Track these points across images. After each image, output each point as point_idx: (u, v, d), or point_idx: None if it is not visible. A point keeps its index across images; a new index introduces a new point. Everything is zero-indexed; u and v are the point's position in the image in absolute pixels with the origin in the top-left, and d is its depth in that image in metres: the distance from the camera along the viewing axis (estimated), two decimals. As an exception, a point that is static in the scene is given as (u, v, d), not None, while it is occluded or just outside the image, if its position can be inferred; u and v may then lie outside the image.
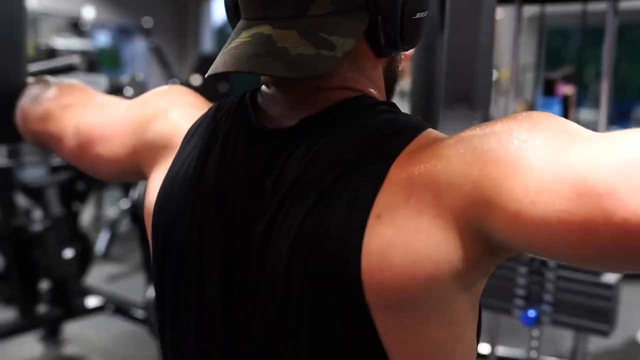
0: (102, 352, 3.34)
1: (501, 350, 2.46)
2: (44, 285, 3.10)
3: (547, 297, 1.85)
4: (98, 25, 9.22)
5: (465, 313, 0.62)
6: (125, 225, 5.20)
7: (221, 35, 12.13)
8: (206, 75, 0.65)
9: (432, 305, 0.59)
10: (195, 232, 0.70)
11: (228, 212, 0.67)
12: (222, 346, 0.69)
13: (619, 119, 6.64)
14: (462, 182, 0.56)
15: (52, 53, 5.73)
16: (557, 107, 3.78)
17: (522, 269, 1.86)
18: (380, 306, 0.58)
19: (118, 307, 3.15)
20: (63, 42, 6.15)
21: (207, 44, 11.12)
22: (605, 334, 1.82)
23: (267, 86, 0.72)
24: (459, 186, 0.56)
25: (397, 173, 0.59)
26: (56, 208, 2.79)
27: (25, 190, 2.80)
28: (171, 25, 10.60)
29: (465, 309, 0.62)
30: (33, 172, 2.66)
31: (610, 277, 1.82)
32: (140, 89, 3.72)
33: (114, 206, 5.28)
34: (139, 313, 3.04)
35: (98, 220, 5.40)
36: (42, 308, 3.06)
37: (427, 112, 1.49)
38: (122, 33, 10.66)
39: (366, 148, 0.61)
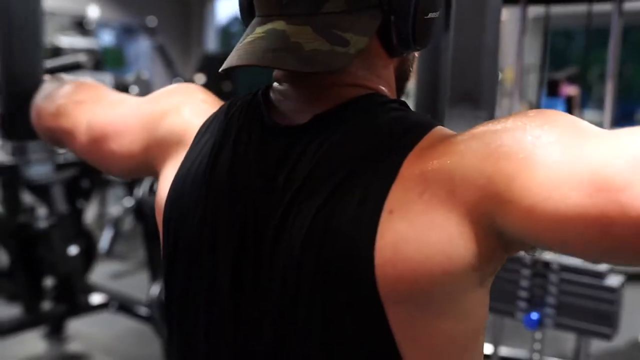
0: (105, 350, 3.35)
1: (504, 351, 2.46)
2: (48, 282, 3.11)
3: (550, 300, 1.85)
4: (102, 24, 9.24)
5: (476, 308, 0.63)
6: (128, 223, 5.22)
7: (225, 35, 12.14)
8: (220, 69, 0.66)
9: (445, 299, 0.59)
10: (206, 228, 0.70)
11: (240, 209, 0.68)
12: (232, 342, 0.69)
13: (623, 120, 6.63)
14: (476, 177, 0.57)
15: (56, 52, 5.74)
16: (561, 108, 3.79)
17: (525, 272, 1.86)
18: (393, 301, 0.59)
19: (122, 305, 3.16)
20: (68, 40, 6.16)
21: (211, 43, 11.12)
22: (608, 337, 1.81)
23: (280, 83, 0.72)
24: (473, 181, 0.57)
25: (409, 169, 0.60)
26: (61, 205, 2.80)
27: (30, 187, 2.81)
28: (175, 24, 10.62)
29: (476, 304, 0.62)
30: (39, 170, 2.67)
31: (613, 281, 1.81)
32: (146, 87, 3.74)
33: (118, 204, 5.29)
34: (143, 310, 3.05)
35: (101, 218, 5.41)
36: (46, 305, 3.07)
37: (432, 112, 1.50)
38: (126, 32, 10.68)
39: (377, 145, 0.62)
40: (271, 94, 0.73)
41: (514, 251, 0.62)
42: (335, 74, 0.66)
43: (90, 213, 4.78)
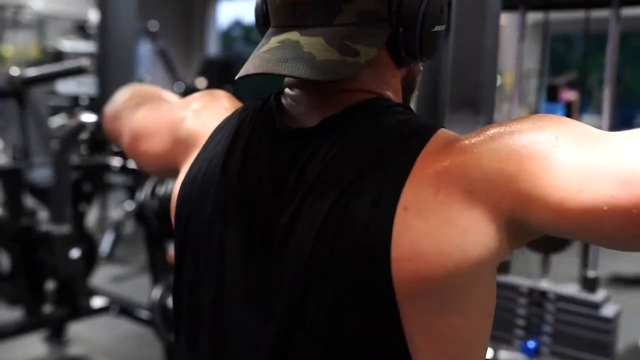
0: (106, 353, 3.36)
1: (504, 355, 2.47)
2: (49, 285, 3.11)
3: (547, 329, 1.87)
4: (104, 28, 9.23)
5: (484, 299, 0.66)
6: (129, 227, 5.23)
7: (226, 39, 12.16)
8: (236, 77, 0.70)
9: (456, 292, 0.62)
10: (215, 228, 0.73)
11: (250, 209, 0.71)
12: (239, 334, 0.71)
13: (623, 125, 6.66)
14: (496, 177, 0.61)
15: (58, 55, 5.76)
16: (561, 113, 3.80)
17: (522, 300, 1.90)
18: (407, 295, 0.61)
19: (123, 308, 3.17)
20: (70, 44, 6.18)
21: (212, 47, 11.15)
22: (604, 366, 1.83)
23: (291, 89, 0.75)
24: (492, 181, 0.61)
25: (421, 169, 0.63)
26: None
27: (33, 190, 2.83)
28: (177, 28, 10.64)
29: (483, 295, 0.65)
30: (41, 173, 2.69)
31: (609, 311, 1.84)
32: (147, 91, 3.75)
33: (119, 208, 5.30)
34: (144, 314, 3.06)
35: (103, 221, 5.42)
36: (47, 308, 3.08)
37: (433, 116, 1.51)
38: (128, 36, 10.70)
39: (385, 147, 0.65)
40: (282, 99, 0.76)
41: (523, 242, 0.66)
42: (344, 82, 0.69)
43: (91, 217, 4.79)
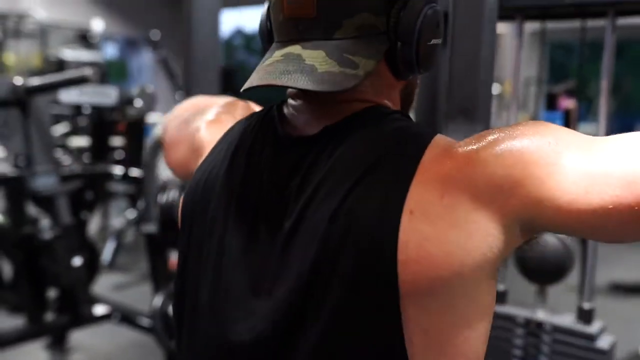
0: (107, 361, 3.37)
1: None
2: (51, 293, 3.12)
3: None
4: (106, 37, 9.30)
5: (484, 301, 0.68)
6: (131, 236, 5.24)
7: (227, 48, 12.20)
8: (241, 90, 0.73)
9: (461, 290, 0.64)
10: (216, 230, 0.76)
11: (252, 214, 0.74)
12: (240, 329, 0.72)
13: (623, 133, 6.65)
14: (503, 182, 0.64)
15: (61, 64, 5.79)
16: (559, 121, 3.81)
17: (519, 331, 1.91)
18: (411, 294, 0.63)
19: (124, 316, 3.17)
20: (72, 53, 6.21)
21: (214, 56, 11.19)
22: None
23: (293, 99, 0.78)
24: (498, 186, 0.64)
25: (424, 174, 0.65)
26: (66, 217, 2.83)
27: (35, 198, 2.84)
28: (178, 37, 10.68)
29: (485, 296, 0.67)
30: (44, 181, 2.71)
31: (604, 343, 1.85)
32: (150, 100, 3.77)
33: (120, 216, 5.32)
34: (145, 322, 3.07)
35: (104, 230, 5.44)
36: (49, 316, 3.09)
37: (430, 125, 1.53)
38: (129, 45, 10.75)
39: (386, 152, 0.68)
40: (285, 109, 0.79)
41: (522, 241, 0.68)
42: (344, 92, 0.71)
43: (92, 225, 4.81)
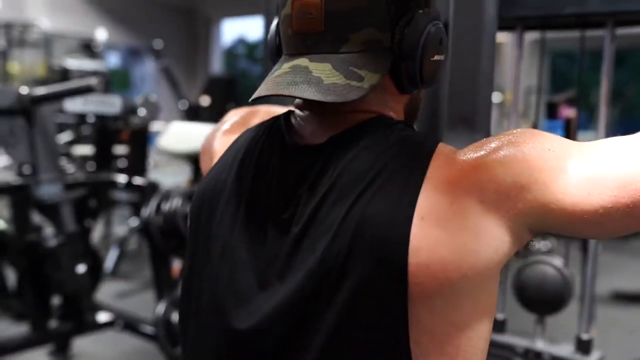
0: (110, 368, 3.37)
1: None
2: (55, 300, 3.14)
3: None
4: (110, 46, 9.35)
5: (487, 302, 0.70)
6: (134, 243, 5.26)
7: (230, 57, 12.25)
8: (250, 100, 0.75)
9: (467, 291, 0.67)
10: (220, 240, 0.78)
11: (260, 220, 0.75)
12: (245, 325, 0.74)
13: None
14: (510, 188, 0.67)
15: (65, 74, 5.84)
16: (560, 130, 3.82)
17: None
18: (420, 295, 0.66)
19: (127, 323, 3.18)
20: (75, 63, 6.25)
21: (216, 65, 11.24)
22: None
23: (300, 109, 0.81)
24: (506, 192, 0.67)
25: (433, 181, 0.68)
26: (70, 224, 2.84)
27: (40, 206, 2.86)
28: (181, 46, 10.73)
29: (488, 297, 0.70)
30: (48, 190, 2.72)
31: None
32: (153, 109, 3.80)
33: (123, 224, 5.33)
34: (148, 329, 3.08)
35: (107, 238, 5.45)
36: (52, 323, 3.10)
37: (431, 134, 1.55)
38: (132, 54, 10.80)
39: (391, 160, 0.70)
40: (292, 119, 0.81)
41: (526, 242, 0.72)
42: (350, 103, 0.74)
43: (95, 233, 4.83)
